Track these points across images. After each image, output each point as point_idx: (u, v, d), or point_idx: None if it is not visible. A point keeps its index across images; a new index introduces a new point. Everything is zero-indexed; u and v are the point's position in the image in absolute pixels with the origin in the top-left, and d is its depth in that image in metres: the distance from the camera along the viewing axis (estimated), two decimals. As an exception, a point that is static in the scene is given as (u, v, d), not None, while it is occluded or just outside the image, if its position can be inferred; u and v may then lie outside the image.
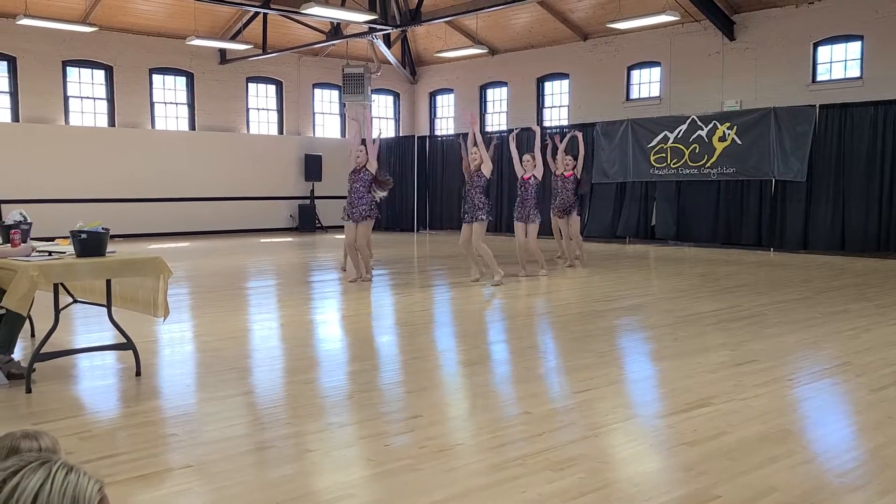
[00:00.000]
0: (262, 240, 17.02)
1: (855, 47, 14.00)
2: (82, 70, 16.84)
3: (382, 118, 21.88)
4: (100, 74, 17.09)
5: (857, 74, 13.95)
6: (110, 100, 17.20)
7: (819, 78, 14.50)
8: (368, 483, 3.29)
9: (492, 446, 3.69)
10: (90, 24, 14.86)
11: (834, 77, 14.35)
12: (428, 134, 21.14)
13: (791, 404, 4.47)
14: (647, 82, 17.00)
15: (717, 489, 3.15)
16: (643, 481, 3.29)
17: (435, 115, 21.78)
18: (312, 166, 19.51)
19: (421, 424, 4.01)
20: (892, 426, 3.97)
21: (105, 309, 5.04)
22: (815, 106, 13.40)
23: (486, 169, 9.36)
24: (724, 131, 14.36)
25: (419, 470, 3.37)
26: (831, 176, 13.14)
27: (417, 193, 19.81)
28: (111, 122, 17.22)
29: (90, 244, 4.82)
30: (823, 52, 14.47)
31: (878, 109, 12.67)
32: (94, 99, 17.08)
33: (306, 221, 19.37)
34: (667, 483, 3.27)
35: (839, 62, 14.34)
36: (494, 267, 9.42)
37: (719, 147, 14.42)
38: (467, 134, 9.88)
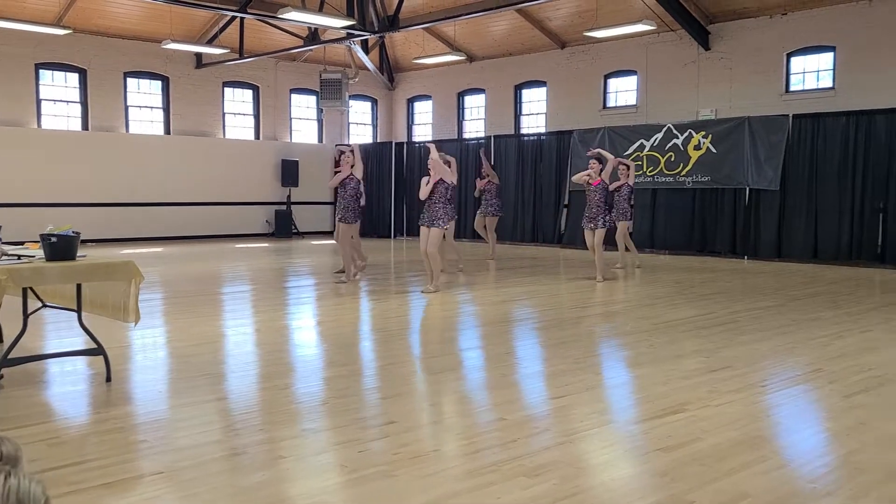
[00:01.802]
0: (238, 245, 16.89)
1: (827, 58, 14.20)
2: (55, 73, 16.64)
3: (360, 124, 21.86)
4: (73, 77, 16.89)
5: (830, 85, 14.15)
6: (84, 103, 17.01)
7: (792, 88, 14.69)
8: (342, 490, 3.26)
9: (467, 452, 3.68)
10: (64, 27, 14.68)
11: (807, 87, 14.54)
12: (405, 140, 21.12)
13: (764, 410, 4.50)
14: (623, 90, 17.12)
15: (690, 495, 3.15)
16: (617, 487, 3.29)
17: (413, 122, 21.77)
18: (289, 172, 19.42)
19: (396, 430, 3.98)
20: (863, 432, 4.01)
21: (75, 314, 4.96)
22: (788, 116, 13.56)
23: (358, 172, 10.04)
24: (699, 140, 14.50)
25: (393, 476, 3.35)
26: (804, 185, 13.30)
27: (395, 200, 19.78)
28: (84, 126, 17.03)
29: (60, 248, 4.75)
30: (796, 63, 14.66)
31: (850, 119, 12.85)
32: (68, 102, 16.88)
33: (283, 227, 19.27)
34: (641, 489, 3.27)
35: (812, 72, 14.53)
36: (348, 264, 10.29)
37: (694, 155, 14.55)
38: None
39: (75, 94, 16.95)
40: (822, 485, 3.30)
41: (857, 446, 3.79)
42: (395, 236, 19.76)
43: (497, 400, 4.67)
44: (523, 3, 14.14)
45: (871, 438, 3.91)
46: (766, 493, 3.19)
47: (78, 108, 16.99)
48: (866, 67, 13.51)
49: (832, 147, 13.00)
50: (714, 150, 14.26)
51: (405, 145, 20.13)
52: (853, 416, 4.32)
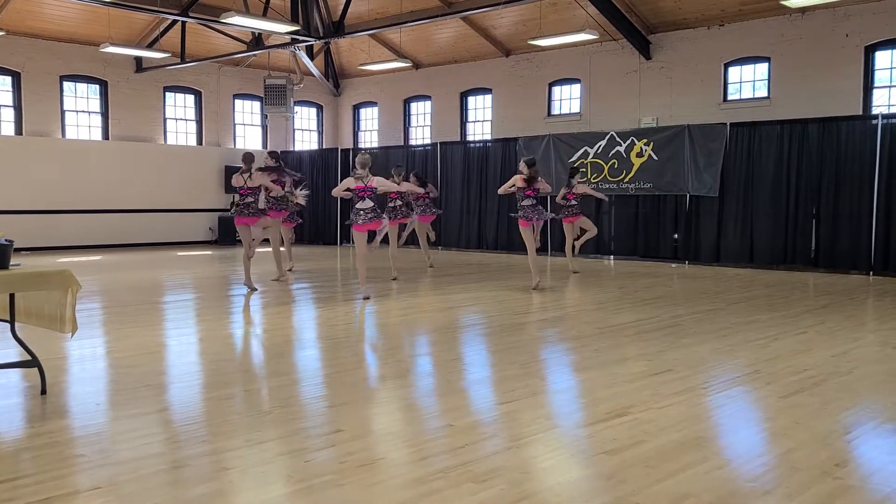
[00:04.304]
0: (180, 253, 16.56)
1: (762, 68, 14.65)
2: (-13, 76, 16.13)
3: (305, 130, 21.68)
4: (6, 81, 16.38)
5: (765, 94, 14.58)
6: (17, 107, 16.50)
7: (730, 97, 15.10)
8: (288, 500, 3.22)
9: (414, 459, 3.67)
10: (-4, 28, 14.25)
11: (743, 96, 14.97)
12: (351, 147, 21.02)
13: (705, 412, 4.60)
14: (567, 98, 17.36)
15: (635, 497, 3.20)
16: (564, 491, 3.32)
17: (359, 128, 21.69)
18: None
19: (342, 439, 3.95)
20: (799, 431, 4.13)
21: (8, 324, 4.80)
22: (726, 124, 13.92)
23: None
24: (641, 147, 14.77)
25: (341, 486, 3.32)
26: (741, 192, 13.66)
27: (340, 206, 19.63)
28: (18, 131, 16.51)
29: (-8, 257, 4.59)
30: (733, 73, 15.08)
31: (784, 128, 13.25)
32: (1, 106, 16.34)
33: (226, 234, 18.96)
34: (587, 492, 3.31)
35: (748, 82, 14.97)
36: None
37: (637, 163, 14.82)
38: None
39: (9, 98, 16.43)
40: (760, 484, 3.39)
41: (794, 445, 3.90)
42: (340, 243, 19.63)
43: (444, 406, 4.68)
44: (468, 11, 14.25)
45: (807, 437, 4.03)
46: (708, 493, 3.25)
47: (11, 113, 16.47)
48: (800, 77, 13.97)
49: (768, 155, 13.39)
50: (656, 158, 14.54)
51: (351, 152, 20.01)
52: (790, 415, 4.44)
